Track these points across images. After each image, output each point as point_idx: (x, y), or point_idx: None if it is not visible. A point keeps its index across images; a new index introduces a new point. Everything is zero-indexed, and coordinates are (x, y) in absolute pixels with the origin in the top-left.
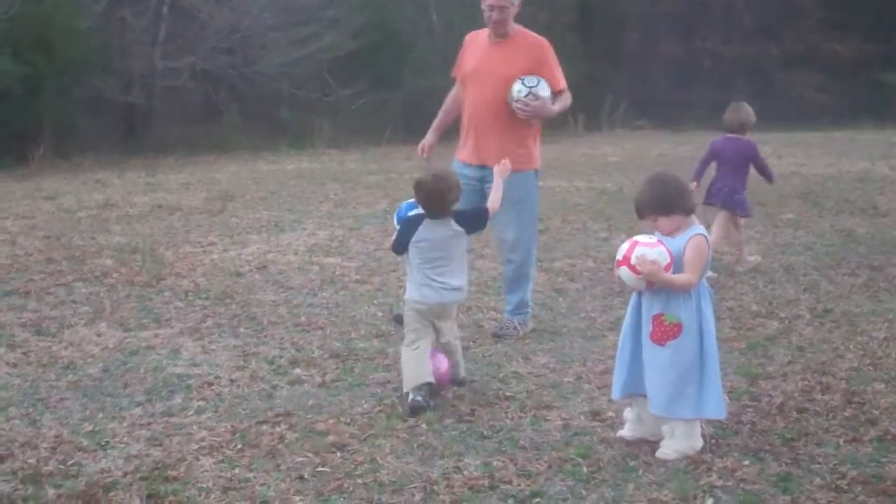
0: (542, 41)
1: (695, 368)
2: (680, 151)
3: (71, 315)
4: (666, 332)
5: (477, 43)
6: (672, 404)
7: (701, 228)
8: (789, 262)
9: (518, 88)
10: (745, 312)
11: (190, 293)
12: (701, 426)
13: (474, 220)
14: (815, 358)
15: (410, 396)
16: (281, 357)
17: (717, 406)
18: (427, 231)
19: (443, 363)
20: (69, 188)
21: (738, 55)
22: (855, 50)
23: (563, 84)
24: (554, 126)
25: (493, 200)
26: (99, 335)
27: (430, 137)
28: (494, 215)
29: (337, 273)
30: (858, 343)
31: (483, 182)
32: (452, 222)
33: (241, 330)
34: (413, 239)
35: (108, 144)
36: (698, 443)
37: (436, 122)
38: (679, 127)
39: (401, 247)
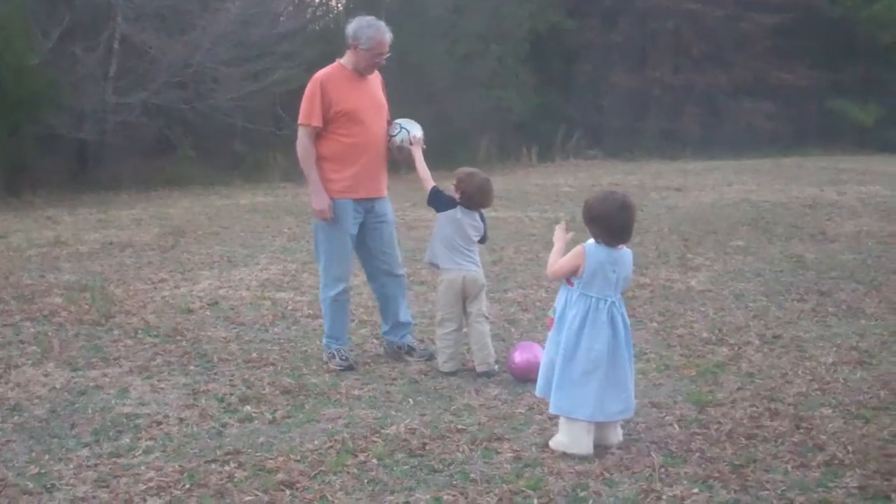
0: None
1: (555, 364)
2: (630, 181)
3: (18, 355)
4: (549, 323)
5: (343, 80)
6: (544, 387)
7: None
8: (739, 288)
9: (410, 133)
10: (694, 339)
11: (139, 331)
12: (651, 454)
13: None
14: (764, 384)
15: None
16: (231, 394)
17: (570, 405)
18: None
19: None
20: (19, 226)
21: (687, 84)
22: (802, 77)
23: None
24: (507, 157)
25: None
26: (46, 375)
27: (326, 198)
28: (383, 237)
29: (289, 308)
30: (807, 368)
31: (367, 213)
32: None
33: (191, 367)
34: None
35: (59, 181)
36: (582, 447)
37: (319, 183)
38: (630, 156)
39: None
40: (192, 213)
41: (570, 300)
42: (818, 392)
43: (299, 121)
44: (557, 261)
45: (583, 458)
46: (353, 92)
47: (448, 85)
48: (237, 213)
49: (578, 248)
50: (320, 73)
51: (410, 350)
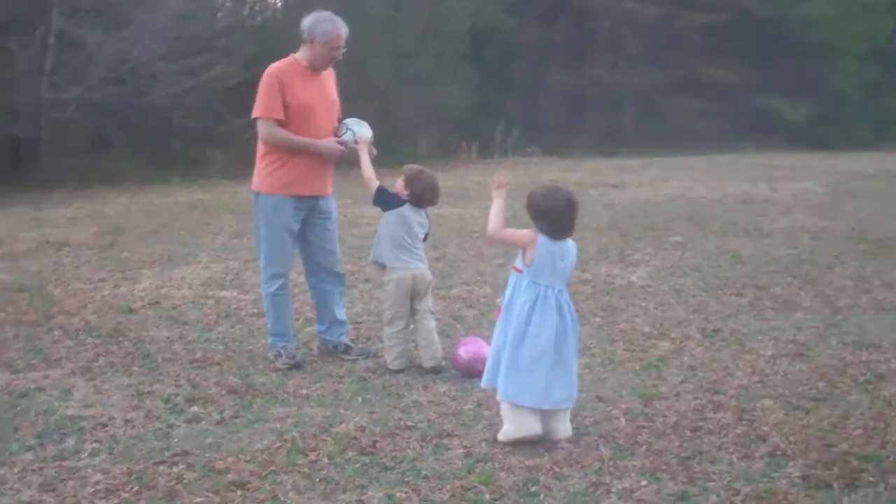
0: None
1: (502, 352)
2: (568, 177)
3: None
4: (497, 311)
5: (297, 75)
6: (490, 378)
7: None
8: (678, 283)
9: (357, 134)
10: (637, 334)
11: (81, 331)
12: (599, 447)
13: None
14: (707, 377)
15: None
16: (177, 395)
17: (517, 392)
18: None
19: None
20: None
21: (623, 82)
22: (735, 76)
23: None
24: (448, 154)
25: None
26: None
27: (330, 141)
28: (326, 234)
29: (233, 307)
30: (747, 361)
31: (311, 210)
32: None
33: (135, 368)
34: None
35: None
36: (530, 428)
37: (310, 141)
38: (568, 153)
39: None
40: (130, 211)
41: (519, 288)
42: (759, 384)
43: (258, 114)
44: (499, 221)
45: (533, 441)
46: (306, 87)
47: (389, 82)
48: (175, 211)
49: (531, 232)
50: (274, 67)
51: (347, 349)
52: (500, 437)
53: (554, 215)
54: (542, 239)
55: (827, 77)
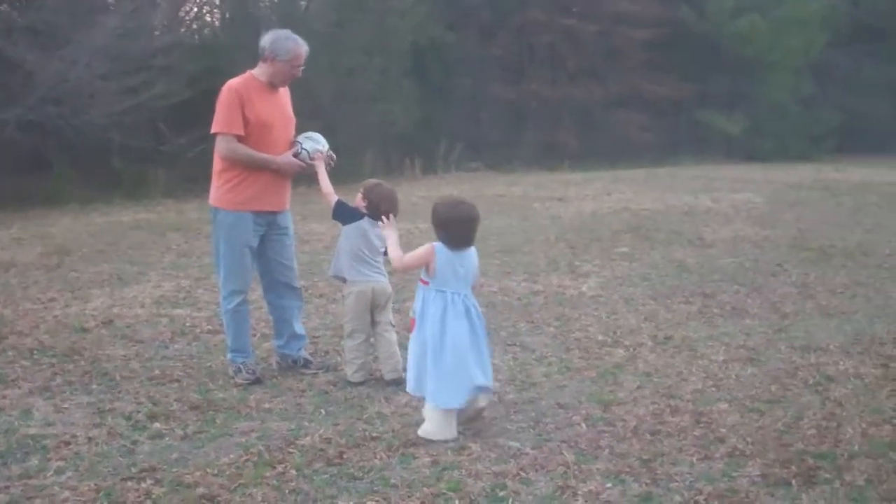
0: None
1: (426, 359)
2: (513, 191)
3: None
4: (411, 324)
5: (256, 92)
6: (417, 384)
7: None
8: (628, 292)
9: (311, 151)
10: (591, 342)
11: (35, 351)
12: (563, 452)
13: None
14: (662, 382)
15: None
16: (138, 412)
17: (447, 397)
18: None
19: None
20: None
21: (564, 97)
22: (673, 90)
23: None
24: (392, 170)
25: (328, 185)
26: None
27: (288, 157)
28: (283, 249)
29: (188, 324)
30: (700, 366)
31: (269, 226)
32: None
33: (94, 386)
34: None
35: None
36: (448, 433)
37: (266, 157)
38: (510, 167)
39: None
40: (74, 231)
41: (428, 299)
42: (713, 388)
43: (217, 129)
44: (401, 253)
45: (447, 442)
46: (265, 104)
47: (332, 98)
48: (120, 231)
49: (428, 246)
50: (235, 82)
51: (307, 363)
52: (420, 432)
53: (454, 227)
54: (440, 248)
55: (762, 90)
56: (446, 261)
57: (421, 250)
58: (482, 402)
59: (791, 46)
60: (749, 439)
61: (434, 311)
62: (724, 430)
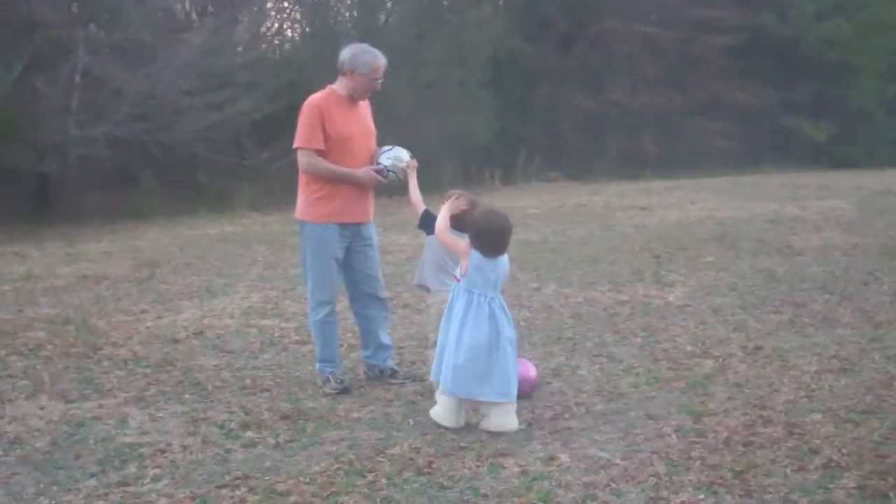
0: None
1: (445, 348)
2: (595, 201)
3: (10, 389)
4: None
5: (336, 106)
6: (437, 371)
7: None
8: (716, 302)
9: (398, 167)
10: (680, 353)
11: (129, 361)
12: (653, 463)
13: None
14: (753, 393)
15: None
16: (231, 421)
17: (453, 385)
18: None
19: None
20: None
21: (644, 105)
22: (755, 96)
23: None
24: (471, 181)
25: (417, 196)
26: (41, 408)
27: (368, 171)
28: (368, 260)
29: (276, 335)
30: (792, 377)
31: (354, 237)
32: None
33: (187, 396)
34: None
35: (20, 216)
36: (454, 420)
37: (349, 171)
38: (591, 177)
39: None
40: (162, 244)
41: (457, 295)
42: (805, 399)
43: (299, 144)
44: (444, 224)
45: (453, 429)
46: (346, 118)
47: (412, 111)
48: (207, 244)
49: (466, 245)
50: (316, 98)
51: (394, 373)
52: (432, 413)
53: (488, 237)
54: (474, 254)
55: (848, 95)
56: (478, 265)
57: (461, 243)
58: (500, 426)
59: (877, 50)
60: (844, 450)
61: (459, 307)
62: (818, 442)
